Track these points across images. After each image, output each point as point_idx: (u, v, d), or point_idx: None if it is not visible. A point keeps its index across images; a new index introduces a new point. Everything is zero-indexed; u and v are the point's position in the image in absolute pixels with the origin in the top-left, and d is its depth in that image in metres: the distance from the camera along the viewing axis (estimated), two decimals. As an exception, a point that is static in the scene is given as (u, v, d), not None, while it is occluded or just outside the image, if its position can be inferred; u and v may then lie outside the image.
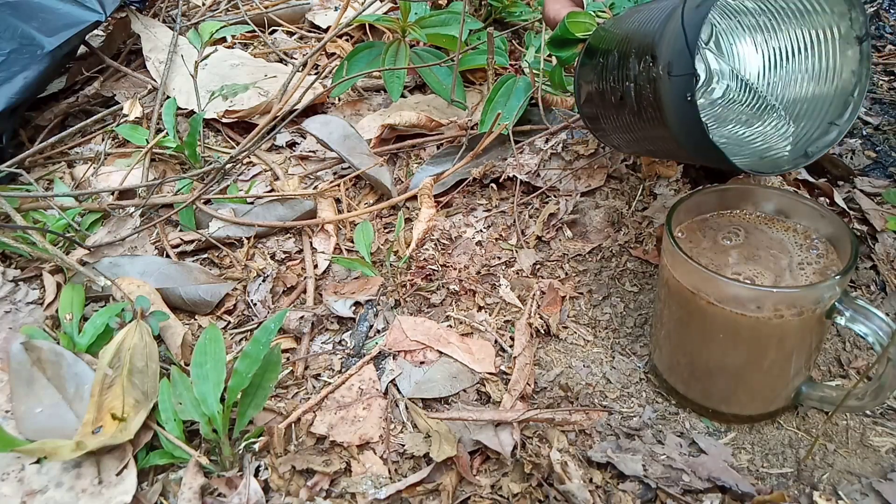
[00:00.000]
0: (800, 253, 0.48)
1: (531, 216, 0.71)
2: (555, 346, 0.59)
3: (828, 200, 0.67)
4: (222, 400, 0.50)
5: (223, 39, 1.03)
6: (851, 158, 0.77)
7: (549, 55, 0.77)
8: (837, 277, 0.43)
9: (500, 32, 0.88)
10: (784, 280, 0.46)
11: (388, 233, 0.71)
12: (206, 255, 0.70)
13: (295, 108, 0.82)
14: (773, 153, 0.49)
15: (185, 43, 0.98)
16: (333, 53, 0.99)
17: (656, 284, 0.61)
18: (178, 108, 0.87)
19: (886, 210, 0.66)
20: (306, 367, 0.58)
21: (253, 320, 0.63)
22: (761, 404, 0.50)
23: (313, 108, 0.87)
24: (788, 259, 0.48)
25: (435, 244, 0.68)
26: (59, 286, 0.64)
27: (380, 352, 0.58)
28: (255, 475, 0.49)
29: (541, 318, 0.60)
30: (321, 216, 0.72)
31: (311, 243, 0.70)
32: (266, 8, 1.09)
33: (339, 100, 0.92)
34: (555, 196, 0.71)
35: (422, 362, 0.56)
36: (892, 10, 1.09)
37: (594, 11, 0.56)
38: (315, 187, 0.76)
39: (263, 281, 0.65)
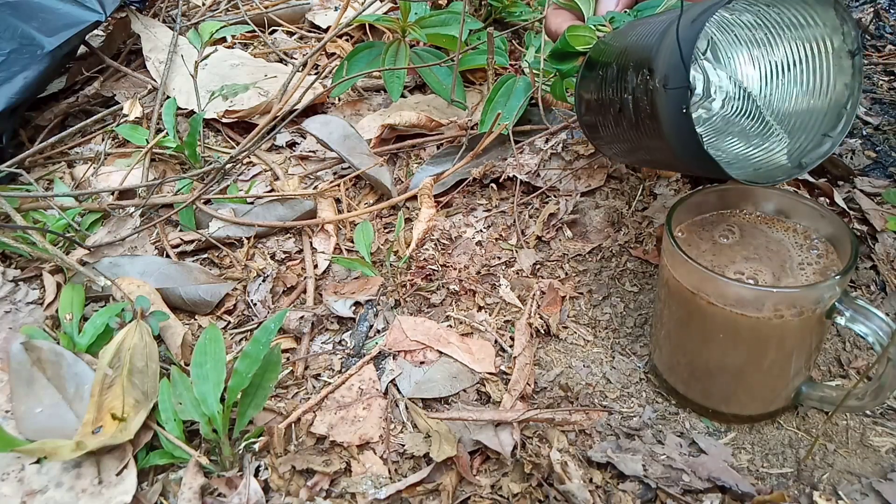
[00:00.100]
0: (800, 253, 0.48)
1: (531, 216, 0.71)
2: (555, 346, 0.59)
3: (828, 200, 0.67)
4: (222, 400, 0.50)
5: (223, 39, 1.03)
6: (851, 158, 0.77)
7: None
8: (837, 277, 0.43)
9: (500, 32, 0.88)
10: (784, 280, 0.46)
11: (388, 233, 0.71)
12: (206, 255, 0.70)
13: (295, 108, 0.82)
14: (769, 165, 0.50)
15: (185, 43, 0.98)
16: (333, 53, 0.99)
17: (656, 284, 0.61)
18: (178, 108, 0.87)
19: (886, 210, 0.66)
20: (306, 367, 0.58)
21: (253, 320, 0.63)
22: (761, 404, 0.50)
23: (313, 108, 0.87)
24: (788, 259, 0.48)
25: (435, 244, 0.68)
26: (59, 286, 0.64)
27: (380, 352, 0.58)
28: (255, 475, 0.49)
29: (541, 318, 0.60)
30: (321, 216, 0.72)
31: (311, 243, 0.70)
32: (266, 8, 1.09)
33: (339, 100, 0.92)
34: (555, 196, 0.71)
35: (422, 362, 0.56)
36: (891, 10, 1.09)
37: (594, 25, 0.57)
38: (315, 187, 0.76)
39: (263, 281, 0.65)
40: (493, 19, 0.98)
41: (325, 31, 1.07)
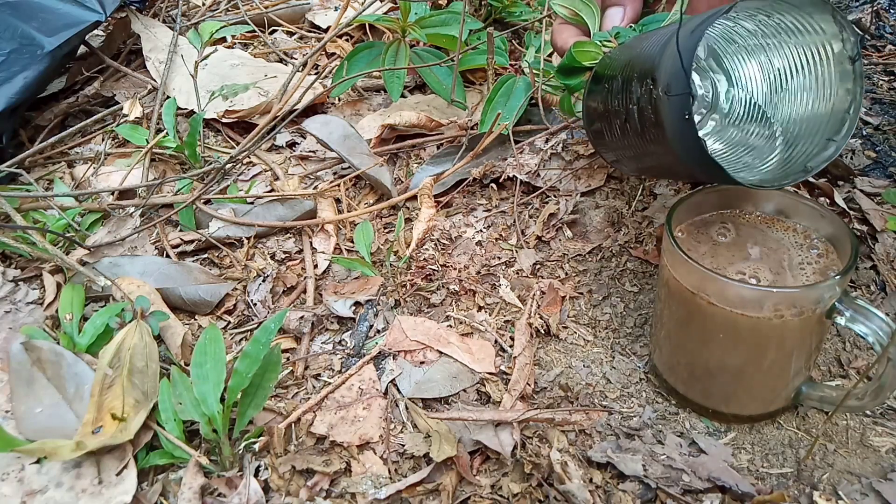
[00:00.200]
0: (800, 253, 0.48)
1: (531, 216, 0.71)
2: (555, 346, 0.59)
3: (828, 200, 0.67)
4: (222, 400, 0.50)
5: (223, 39, 1.03)
6: (851, 158, 0.77)
7: (550, 55, 0.77)
8: (837, 277, 0.43)
9: (500, 32, 0.88)
10: (784, 280, 0.46)
11: (388, 233, 0.71)
12: (206, 255, 0.70)
13: (295, 108, 0.82)
14: (774, 170, 0.50)
15: (185, 43, 0.98)
16: (333, 53, 0.99)
17: (656, 284, 0.61)
18: (178, 108, 0.87)
19: (886, 210, 0.66)
20: (306, 367, 0.58)
21: (253, 320, 0.63)
22: (761, 404, 0.50)
23: (313, 108, 0.87)
24: (788, 259, 0.48)
25: (435, 244, 0.68)
26: (59, 286, 0.64)
27: (380, 352, 0.58)
28: (255, 475, 0.49)
29: (541, 318, 0.60)
30: (321, 216, 0.72)
31: (311, 243, 0.70)
32: (266, 8, 1.09)
33: (339, 100, 0.92)
34: (555, 196, 0.71)
35: (422, 362, 0.56)
36: (892, 10, 1.09)
37: (600, 41, 0.58)
38: (315, 187, 0.76)
39: (263, 281, 0.65)
40: (493, 19, 0.98)
41: (325, 31, 1.07)
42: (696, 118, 0.54)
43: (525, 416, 0.50)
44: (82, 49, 0.97)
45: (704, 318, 0.46)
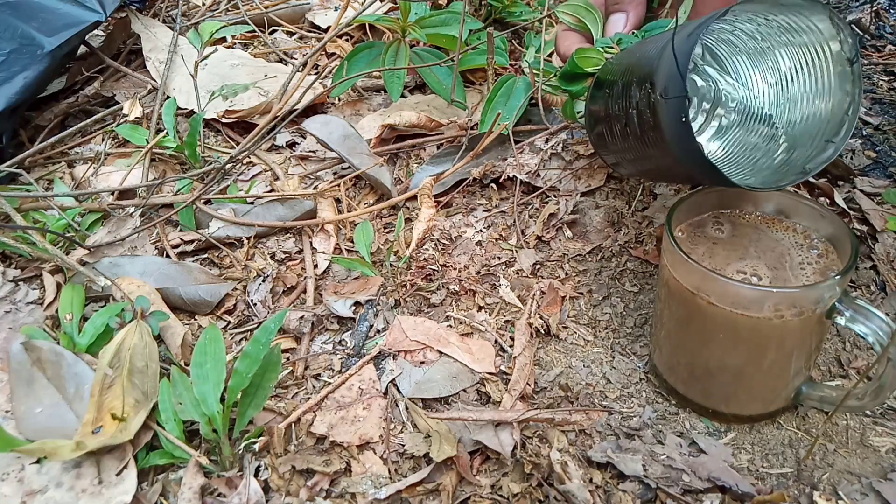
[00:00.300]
0: (800, 253, 0.48)
1: (531, 216, 0.71)
2: (555, 346, 0.59)
3: (828, 200, 0.67)
4: (222, 400, 0.50)
5: (223, 39, 1.03)
6: (851, 158, 0.77)
7: (550, 55, 0.77)
8: (837, 277, 0.43)
9: (500, 32, 0.88)
10: (784, 280, 0.46)
11: (388, 233, 0.71)
12: (206, 255, 0.70)
13: (295, 108, 0.82)
14: (773, 171, 0.51)
15: (185, 43, 0.98)
16: (333, 53, 0.99)
17: (656, 284, 0.61)
18: (178, 108, 0.87)
19: (886, 210, 0.66)
20: (306, 367, 0.58)
21: (253, 320, 0.63)
22: (761, 404, 0.50)
23: (313, 108, 0.87)
24: (788, 259, 0.48)
25: (435, 244, 0.68)
26: (59, 286, 0.64)
27: (380, 352, 0.58)
28: (255, 475, 0.49)
29: (541, 318, 0.60)
30: (321, 216, 0.72)
31: (311, 243, 0.70)
32: (266, 8, 1.09)
33: (339, 100, 0.92)
34: (555, 196, 0.71)
35: (422, 362, 0.56)
36: (892, 10, 1.09)
37: (602, 47, 0.59)
38: (315, 187, 0.76)
39: (263, 281, 0.65)
40: (493, 19, 0.98)
41: (325, 31, 1.07)
42: (699, 121, 0.54)
43: (525, 416, 0.50)
44: (82, 49, 0.97)
45: (704, 318, 0.46)
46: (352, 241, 0.70)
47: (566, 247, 0.67)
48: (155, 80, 0.93)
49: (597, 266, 0.66)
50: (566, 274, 0.65)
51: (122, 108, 0.86)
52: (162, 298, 0.62)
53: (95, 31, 0.98)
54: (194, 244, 0.70)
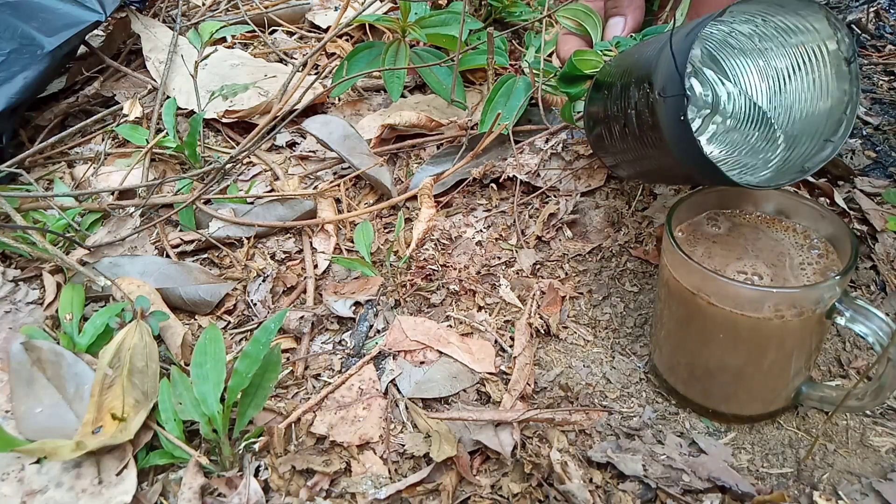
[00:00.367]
0: (800, 253, 0.48)
1: (531, 216, 0.71)
2: (555, 346, 0.59)
3: (828, 200, 0.67)
4: (222, 400, 0.50)
5: (223, 39, 1.03)
6: (851, 158, 0.77)
7: (550, 55, 0.77)
8: (837, 277, 0.43)
9: (500, 32, 0.88)
10: (784, 280, 0.46)
11: (388, 233, 0.71)
12: (206, 255, 0.70)
13: (295, 108, 0.82)
14: (772, 171, 0.51)
15: (185, 43, 0.98)
16: (333, 53, 0.99)
17: (656, 284, 0.61)
18: (178, 108, 0.87)
19: (886, 210, 0.66)
20: (306, 367, 0.58)
21: (253, 320, 0.63)
22: (761, 404, 0.50)
23: (313, 108, 0.87)
24: (789, 259, 0.48)
25: (435, 244, 0.68)
26: (59, 286, 0.64)
27: (380, 352, 0.58)
28: (255, 475, 0.49)
29: (541, 318, 0.60)
30: (321, 216, 0.72)
31: (311, 243, 0.70)
32: (266, 8, 1.09)
33: (339, 100, 0.92)
34: (555, 196, 0.71)
35: (422, 362, 0.56)
36: (892, 10, 1.09)
37: (601, 50, 0.60)
38: (315, 187, 0.76)
39: (263, 281, 0.65)
40: (493, 19, 0.98)
41: (325, 31, 1.07)
42: (698, 122, 0.54)
43: (525, 416, 0.50)
44: (82, 49, 0.97)
45: (704, 319, 0.46)
46: (352, 241, 0.70)
47: (566, 247, 0.67)
48: (155, 80, 0.93)
49: (597, 266, 0.66)
50: (566, 274, 0.65)
51: (122, 108, 0.86)
52: (162, 298, 0.62)
53: (95, 31, 0.98)
54: (194, 244, 0.70)
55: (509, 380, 0.55)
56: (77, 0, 0.86)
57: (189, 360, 0.54)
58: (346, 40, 1.02)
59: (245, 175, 0.79)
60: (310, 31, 1.08)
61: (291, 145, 0.85)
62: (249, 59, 0.97)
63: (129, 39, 1.03)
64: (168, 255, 0.69)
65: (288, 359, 0.58)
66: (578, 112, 0.68)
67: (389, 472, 0.49)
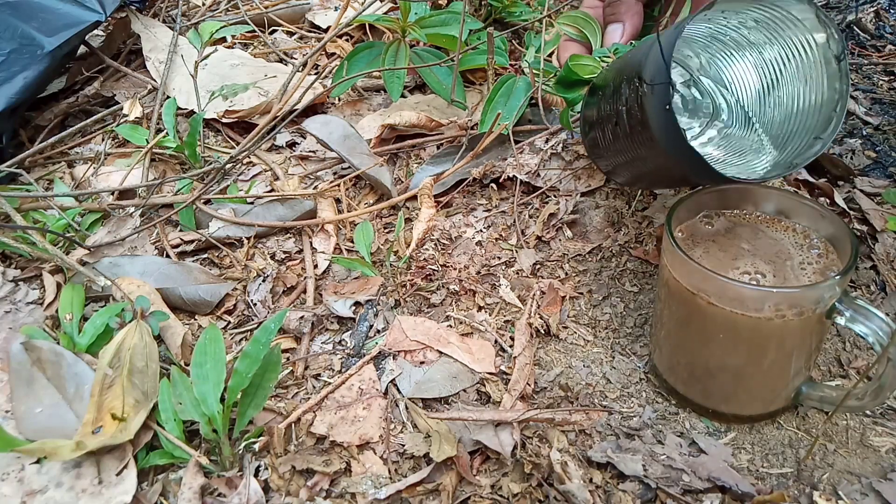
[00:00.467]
0: (800, 253, 0.48)
1: (531, 216, 0.71)
2: (555, 346, 0.59)
3: (828, 200, 0.67)
4: (222, 400, 0.50)
5: (223, 39, 1.03)
6: (851, 158, 0.77)
7: (550, 55, 0.77)
8: (837, 277, 0.43)
9: (500, 32, 0.88)
10: (784, 280, 0.46)
11: (388, 233, 0.71)
12: (206, 255, 0.70)
13: (295, 108, 0.82)
14: (763, 169, 0.52)
15: (185, 43, 0.98)
16: (333, 53, 0.99)
17: (656, 284, 0.61)
18: (178, 108, 0.87)
19: (886, 210, 0.66)
20: (306, 367, 0.58)
21: (253, 320, 0.63)
22: (761, 404, 0.50)
23: (313, 108, 0.87)
24: (789, 259, 0.48)
25: (435, 244, 0.68)
26: (59, 286, 0.64)
27: (380, 352, 0.58)
28: (255, 475, 0.49)
29: (541, 318, 0.60)
30: (321, 216, 0.72)
31: (311, 243, 0.70)
32: (266, 8, 1.09)
33: (339, 100, 0.92)
34: (555, 196, 0.71)
35: (422, 362, 0.56)
36: (892, 10, 1.09)
37: (599, 57, 0.61)
38: (315, 187, 0.76)
39: (263, 281, 0.65)
40: (493, 19, 0.98)
41: (325, 31, 1.07)
42: (696, 127, 0.55)
43: (525, 416, 0.50)
44: (82, 49, 0.97)
45: (704, 319, 0.46)
46: (352, 241, 0.70)
47: (566, 247, 0.67)
48: (155, 80, 0.93)
49: (597, 266, 0.66)
50: (566, 274, 0.65)
51: (122, 108, 0.86)
52: (162, 298, 0.62)
53: (95, 31, 0.98)
54: (194, 244, 0.70)
55: (509, 380, 0.55)
56: (77, 0, 0.86)
57: (189, 360, 0.54)
58: (346, 40, 1.02)
59: (245, 175, 0.79)
60: (310, 31, 1.08)
61: (291, 145, 0.85)
62: (249, 59, 0.97)
63: (129, 39, 1.03)
64: (168, 255, 0.69)
65: (288, 359, 0.58)
66: (575, 116, 0.68)
67: (389, 472, 0.49)
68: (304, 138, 0.84)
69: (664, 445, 0.49)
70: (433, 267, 0.65)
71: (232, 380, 0.51)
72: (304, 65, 0.89)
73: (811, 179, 0.69)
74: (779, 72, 0.51)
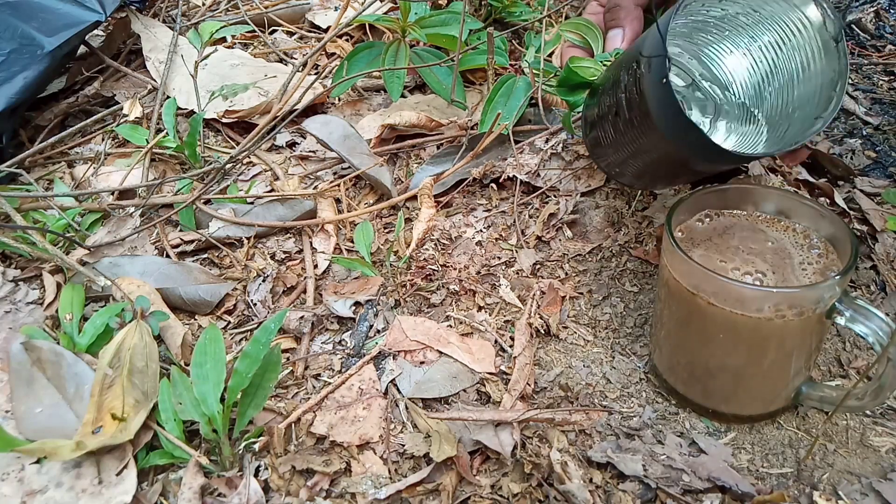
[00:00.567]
0: (800, 253, 0.48)
1: (531, 216, 0.71)
2: (555, 346, 0.59)
3: (828, 200, 0.67)
4: (222, 400, 0.50)
5: (223, 39, 1.03)
6: (851, 158, 0.77)
7: (550, 55, 0.77)
8: (837, 277, 0.43)
9: (500, 32, 0.88)
10: (784, 280, 0.46)
11: (388, 233, 0.71)
12: (206, 255, 0.70)
13: (295, 108, 0.82)
14: (761, 145, 0.52)
15: (185, 43, 0.98)
16: (333, 53, 0.99)
17: (656, 284, 0.61)
18: (178, 108, 0.87)
19: (886, 210, 0.66)
20: (306, 367, 0.58)
21: (253, 320, 0.63)
22: (761, 404, 0.50)
23: (313, 108, 0.87)
24: (789, 259, 0.48)
25: (435, 244, 0.68)
26: (59, 286, 0.64)
27: (380, 352, 0.58)
28: (255, 475, 0.49)
29: (541, 318, 0.60)
30: (321, 216, 0.72)
31: (311, 243, 0.70)
32: (266, 8, 1.09)
33: (339, 100, 0.92)
34: (555, 196, 0.71)
35: (422, 362, 0.56)
36: (892, 10, 1.09)
37: (601, 62, 0.61)
38: (315, 187, 0.76)
39: (263, 281, 0.65)
40: (493, 19, 0.98)
41: (325, 31, 1.07)
42: (706, 123, 0.55)
43: (525, 416, 0.50)
44: (82, 49, 0.97)
45: (704, 319, 0.46)
46: (352, 241, 0.70)
47: (566, 247, 0.67)
48: (155, 80, 0.93)
49: (597, 266, 0.66)
50: (566, 274, 0.65)
51: (122, 108, 0.86)
52: (162, 298, 0.62)
53: (95, 31, 0.98)
54: (194, 244, 0.70)
55: (509, 380, 0.55)
56: (77, 0, 0.86)
57: (189, 360, 0.54)
58: (346, 40, 1.02)
59: (245, 175, 0.79)
60: (310, 31, 1.08)
61: (291, 145, 0.85)
62: (249, 59, 0.97)
63: (129, 39, 1.03)
64: (168, 255, 0.69)
65: (288, 359, 0.58)
66: (576, 116, 0.69)
67: (389, 472, 0.49)
68: (304, 138, 0.84)
69: (664, 445, 0.49)
70: (433, 267, 0.65)
71: (232, 380, 0.51)
72: (304, 65, 0.89)
73: (811, 179, 0.69)
74: (775, 55, 0.52)
